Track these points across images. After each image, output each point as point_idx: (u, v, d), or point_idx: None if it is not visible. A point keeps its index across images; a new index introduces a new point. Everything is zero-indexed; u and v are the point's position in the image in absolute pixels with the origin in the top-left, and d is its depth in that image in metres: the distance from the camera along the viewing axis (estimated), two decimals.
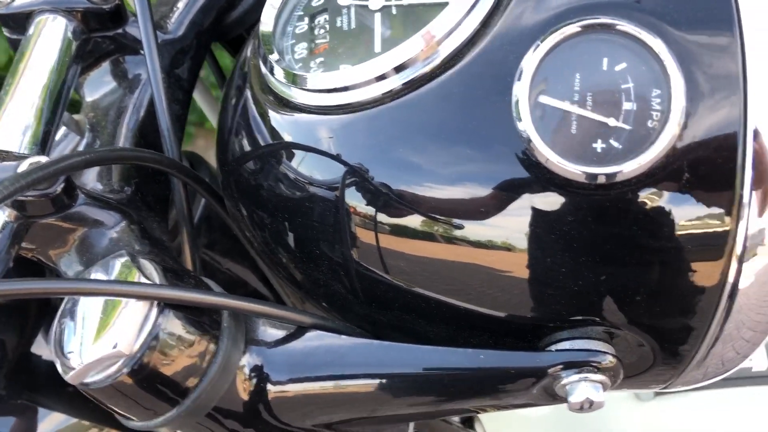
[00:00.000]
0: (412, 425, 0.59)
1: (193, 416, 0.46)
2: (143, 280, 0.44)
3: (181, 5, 0.65)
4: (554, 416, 1.03)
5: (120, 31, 0.62)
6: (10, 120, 0.52)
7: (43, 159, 0.46)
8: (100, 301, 0.43)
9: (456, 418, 0.78)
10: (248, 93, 0.54)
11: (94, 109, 0.62)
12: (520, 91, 0.42)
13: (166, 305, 0.44)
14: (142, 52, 0.63)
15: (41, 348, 0.69)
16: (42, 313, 0.69)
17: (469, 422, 0.80)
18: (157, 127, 0.59)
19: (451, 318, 0.48)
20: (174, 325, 0.44)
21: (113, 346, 0.42)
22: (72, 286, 0.42)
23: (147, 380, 0.44)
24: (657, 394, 0.99)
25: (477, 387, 0.48)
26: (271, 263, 0.56)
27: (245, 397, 0.48)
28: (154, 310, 0.43)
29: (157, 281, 0.45)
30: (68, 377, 0.43)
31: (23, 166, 0.46)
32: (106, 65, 0.64)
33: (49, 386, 0.67)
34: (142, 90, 0.62)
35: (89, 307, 0.44)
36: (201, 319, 0.46)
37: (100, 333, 0.42)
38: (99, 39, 0.61)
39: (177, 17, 0.65)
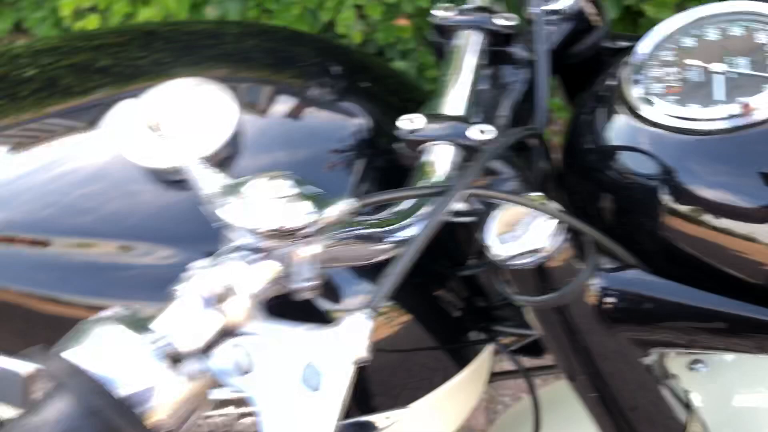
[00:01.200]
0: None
1: (555, 303, 0.73)
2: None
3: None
4: None
5: (507, 48, 0.90)
6: (454, 99, 0.81)
7: (486, 126, 0.74)
8: (520, 213, 0.70)
9: None
10: (605, 107, 0.80)
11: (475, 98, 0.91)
12: None
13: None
14: (514, 67, 0.91)
15: None
16: None
17: None
18: (521, 116, 0.87)
19: (729, 281, 0.73)
20: (565, 242, 0.71)
21: (536, 245, 0.69)
22: (517, 199, 0.69)
23: (541, 272, 0.71)
24: None
25: (742, 329, 0.73)
26: (592, 225, 0.82)
27: (590, 301, 0.75)
28: (562, 230, 0.70)
29: None
30: (497, 259, 0.70)
31: (474, 128, 0.74)
32: (487, 70, 0.92)
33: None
34: (515, 91, 0.90)
35: (512, 217, 0.71)
36: (577, 243, 0.72)
37: (524, 236, 0.69)
38: (492, 51, 0.90)
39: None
